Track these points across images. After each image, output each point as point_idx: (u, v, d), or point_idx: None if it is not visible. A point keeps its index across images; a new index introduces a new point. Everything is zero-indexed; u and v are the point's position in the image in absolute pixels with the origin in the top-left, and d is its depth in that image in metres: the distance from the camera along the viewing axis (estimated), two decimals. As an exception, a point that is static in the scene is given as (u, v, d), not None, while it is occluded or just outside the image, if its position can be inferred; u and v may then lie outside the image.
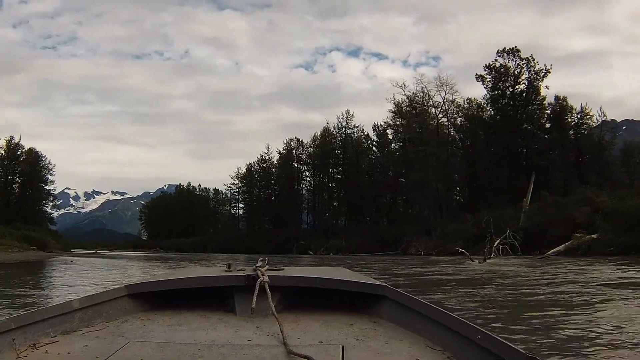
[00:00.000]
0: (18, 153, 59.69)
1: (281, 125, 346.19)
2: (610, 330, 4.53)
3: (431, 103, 49.24)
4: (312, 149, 62.81)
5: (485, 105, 47.44)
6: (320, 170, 62.21)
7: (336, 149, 60.54)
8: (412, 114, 49.22)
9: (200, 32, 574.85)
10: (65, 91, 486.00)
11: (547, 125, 45.19)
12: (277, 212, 62.88)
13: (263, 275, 1.72)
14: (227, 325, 1.58)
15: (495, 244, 24.51)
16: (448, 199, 48.50)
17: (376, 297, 1.77)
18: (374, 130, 56.92)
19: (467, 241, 29.50)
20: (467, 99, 49.73)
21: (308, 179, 64.52)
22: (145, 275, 13.24)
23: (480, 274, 12.83)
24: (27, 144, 61.46)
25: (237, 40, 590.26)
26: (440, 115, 49.46)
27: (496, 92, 44.87)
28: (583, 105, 45.20)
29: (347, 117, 60.26)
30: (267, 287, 1.65)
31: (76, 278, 13.73)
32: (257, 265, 1.93)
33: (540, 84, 43.88)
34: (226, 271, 1.99)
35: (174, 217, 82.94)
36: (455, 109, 49.57)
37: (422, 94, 48.86)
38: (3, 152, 58.75)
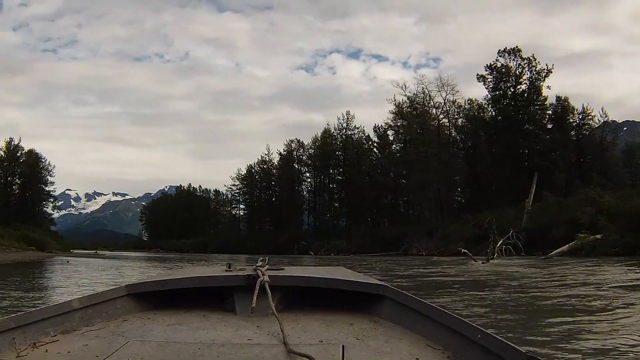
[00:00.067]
0: (18, 154, 59.64)
1: (282, 126, 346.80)
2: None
3: (432, 104, 49.18)
4: (312, 150, 62.73)
5: (486, 106, 47.30)
6: (320, 172, 62.06)
7: (337, 150, 60.40)
8: (413, 115, 49.03)
9: (201, 32, 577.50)
10: (65, 92, 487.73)
11: (549, 126, 44.96)
12: (278, 213, 62.70)
13: (263, 274, 1.73)
14: (227, 325, 1.58)
15: (498, 244, 24.27)
16: (449, 199, 48.30)
17: (376, 296, 1.77)
18: (375, 131, 56.86)
19: (468, 242, 29.31)
20: (468, 100, 49.64)
21: (309, 180, 64.51)
22: (140, 276, 13.03)
23: (485, 275, 12.53)
24: (28, 145, 61.81)
25: (238, 41, 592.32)
26: (442, 116, 49.35)
27: (497, 92, 44.66)
28: (585, 106, 45.09)
29: (347, 118, 60.22)
30: (267, 286, 1.65)
31: (66, 279, 13.51)
32: (257, 265, 1.94)
33: (541, 83, 43.73)
34: (226, 271, 1.99)
35: (174, 218, 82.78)
36: (456, 110, 49.44)
37: (422, 95, 48.76)
38: (3, 153, 58.72)
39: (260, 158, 67.64)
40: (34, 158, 60.01)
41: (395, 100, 49.61)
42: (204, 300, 1.83)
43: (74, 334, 1.51)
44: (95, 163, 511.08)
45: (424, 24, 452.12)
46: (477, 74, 45.52)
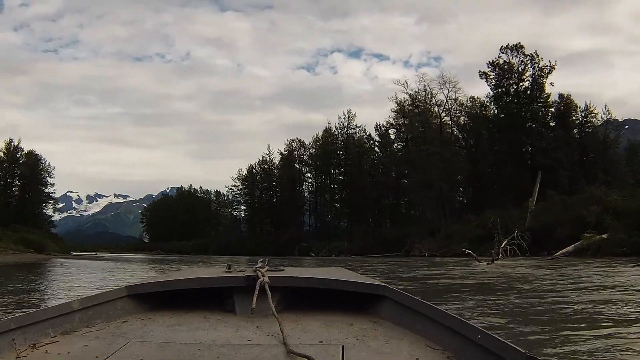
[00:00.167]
0: (17, 155, 59.39)
1: (283, 126, 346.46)
2: None
3: (434, 101, 48.72)
4: (313, 150, 62.34)
5: (488, 104, 46.92)
6: (322, 172, 61.69)
7: (338, 150, 60.04)
8: (415, 113, 48.61)
9: (202, 32, 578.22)
10: (67, 92, 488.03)
11: (552, 124, 44.54)
12: (279, 214, 62.31)
13: (263, 275, 1.73)
14: (227, 326, 1.58)
15: (503, 244, 23.84)
16: (451, 199, 47.88)
17: (376, 297, 1.77)
18: (376, 130, 56.48)
19: (471, 242, 28.86)
20: (470, 98, 49.20)
21: (310, 180, 64.11)
22: (130, 279, 12.62)
23: (493, 277, 12.00)
24: (29, 146, 61.73)
25: (239, 41, 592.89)
26: (444, 114, 48.93)
27: (500, 90, 44.21)
28: (588, 104, 44.71)
29: (348, 117, 59.81)
30: (267, 287, 1.65)
31: (50, 282, 13.07)
32: (257, 266, 1.92)
33: (544, 80, 43.25)
34: (226, 272, 1.97)
35: (175, 220, 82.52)
36: (458, 108, 49.00)
37: (424, 93, 48.34)
38: (2, 154, 58.46)
39: (261, 158, 67.36)
40: (33, 159, 59.81)
41: (396, 98, 49.29)
42: (204, 301, 1.82)
43: (74, 335, 1.51)
44: (96, 164, 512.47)
45: (424, 24, 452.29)
46: (480, 71, 45.16)
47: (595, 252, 21.52)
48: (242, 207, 73.17)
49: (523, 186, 37.51)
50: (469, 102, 49.01)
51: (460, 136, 50.36)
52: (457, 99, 48.18)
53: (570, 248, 22.98)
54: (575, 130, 44.46)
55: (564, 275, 11.45)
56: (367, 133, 58.34)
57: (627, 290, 7.85)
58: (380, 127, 55.61)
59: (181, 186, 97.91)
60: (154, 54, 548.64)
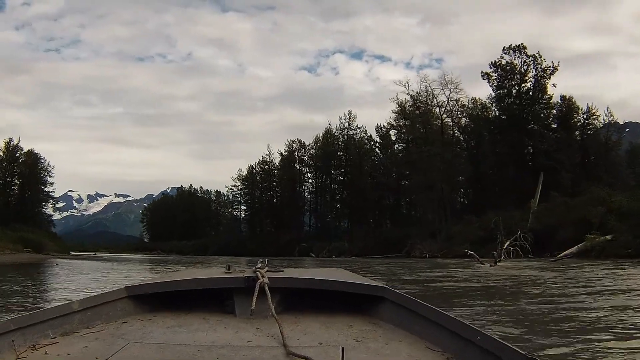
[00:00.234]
0: (17, 155, 59.21)
1: (284, 127, 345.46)
2: None
3: (435, 102, 48.46)
4: (314, 151, 62.12)
5: (490, 105, 46.69)
6: (322, 172, 61.48)
7: (338, 151, 59.82)
8: (416, 114, 48.36)
9: (204, 33, 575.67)
10: (68, 92, 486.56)
11: (554, 125, 44.27)
12: (279, 215, 62.10)
13: (263, 276, 1.72)
14: (227, 327, 1.58)
15: (505, 246, 23.57)
16: (452, 200, 47.60)
17: (376, 298, 1.76)
18: (377, 131, 56.26)
19: (473, 243, 28.59)
20: (471, 99, 48.94)
21: (310, 180, 63.90)
22: (126, 280, 12.34)
23: (499, 280, 11.64)
24: (30, 146, 61.69)
25: (241, 41, 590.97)
26: (445, 116, 48.67)
27: (502, 90, 43.94)
28: (589, 105, 44.43)
29: (349, 117, 59.62)
30: (266, 288, 1.65)
31: (40, 284, 12.70)
32: (256, 267, 1.92)
33: (547, 81, 42.97)
34: (226, 273, 1.96)
35: (175, 220, 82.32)
36: (459, 109, 48.73)
37: (425, 93, 48.08)
38: (2, 153, 58.29)
39: (261, 158, 67.15)
40: (33, 158, 59.60)
41: (397, 99, 49.04)
42: (203, 302, 1.82)
43: (74, 336, 1.51)
44: (97, 164, 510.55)
45: (427, 25, 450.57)
46: (482, 72, 44.91)
47: (599, 254, 21.29)
48: (243, 207, 72.98)
49: (524, 188, 37.29)
50: (470, 103, 48.82)
51: (461, 137, 50.11)
52: (459, 100, 48.00)
53: (573, 249, 22.74)
54: (576, 132, 44.21)
55: (572, 278, 11.10)
56: (368, 134, 58.28)
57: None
58: (381, 128, 55.48)
59: (181, 186, 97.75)
60: (155, 54, 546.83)
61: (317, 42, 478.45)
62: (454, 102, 47.87)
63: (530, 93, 43.31)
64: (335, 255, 44.89)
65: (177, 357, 1.30)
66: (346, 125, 59.30)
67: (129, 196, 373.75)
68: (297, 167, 63.53)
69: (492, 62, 44.29)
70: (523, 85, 43.57)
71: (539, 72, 43.06)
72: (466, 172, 46.55)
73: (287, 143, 64.23)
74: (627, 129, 48.28)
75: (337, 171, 60.56)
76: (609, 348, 3.91)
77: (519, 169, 41.44)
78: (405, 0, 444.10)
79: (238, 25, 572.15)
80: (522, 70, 43.42)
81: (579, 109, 44.08)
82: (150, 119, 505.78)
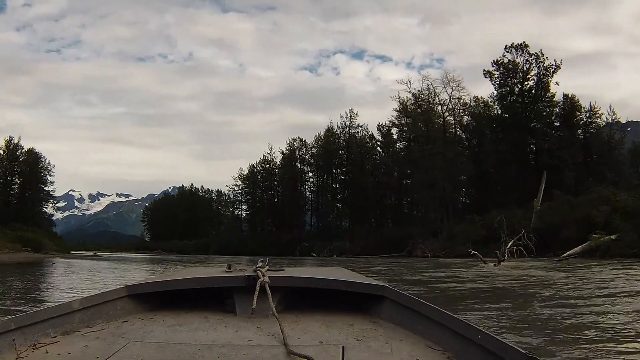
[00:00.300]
0: (17, 153, 59.04)
1: (285, 127, 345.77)
2: None
3: (437, 101, 48.11)
4: (315, 150, 61.84)
5: (492, 104, 46.38)
6: (323, 171, 61.21)
7: (340, 149, 59.53)
8: (418, 112, 48.04)
9: (204, 33, 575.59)
10: (69, 92, 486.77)
11: (556, 124, 43.92)
12: (280, 214, 61.84)
13: (263, 275, 1.72)
14: (228, 326, 1.58)
15: (509, 245, 23.25)
16: (454, 199, 47.29)
17: (376, 297, 1.76)
18: (379, 129, 56.01)
19: (475, 243, 28.35)
20: (473, 97, 48.62)
21: (311, 179, 63.59)
22: (120, 280, 12.07)
23: (506, 280, 11.26)
24: (32, 146, 61.18)
25: (241, 41, 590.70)
26: (447, 114, 48.34)
27: (504, 89, 43.59)
28: (592, 104, 44.10)
29: (350, 116, 59.32)
30: (267, 287, 1.65)
31: (30, 283, 12.38)
32: (257, 266, 1.90)
33: (549, 80, 42.60)
34: (226, 272, 1.95)
35: (176, 219, 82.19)
36: (461, 108, 48.40)
37: (427, 92, 47.77)
38: (2, 152, 58.11)
39: (262, 157, 66.87)
40: (33, 157, 59.42)
41: (399, 97, 48.73)
42: (204, 301, 1.81)
43: (74, 335, 1.51)
44: (98, 164, 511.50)
45: (427, 25, 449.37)
46: (484, 70, 44.56)
47: (604, 254, 21.00)
48: (244, 207, 72.70)
49: (527, 186, 36.96)
50: (472, 101, 48.51)
51: (463, 136, 49.79)
52: (461, 98, 47.67)
53: (577, 249, 22.45)
54: (579, 131, 43.87)
55: (583, 279, 10.70)
56: (370, 133, 58.00)
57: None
58: (382, 127, 55.20)
59: (182, 185, 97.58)
60: (156, 54, 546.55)
61: (317, 42, 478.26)
62: (456, 101, 47.64)
63: (533, 91, 42.94)
64: (336, 254, 44.65)
65: (178, 356, 1.29)
66: (347, 123, 59.10)
67: (131, 196, 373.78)
68: (299, 166, 63.26)
69: (494, 61, 44.01)
70: (525, 83, 43.24)
71: (541, 70, 42.74)
72: (468, 170, 46.23)
73: (288, 142, 64.05)
74: (629, 129, 47.84)
75: (338, 170, 60.28)
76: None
77: (521, 167, 41.13)
78: (405, 0, 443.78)
79: (238, 26, 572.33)
80: (525, 68, 43.08)
81: (581, 107, 43.79)
82: (151, 119, 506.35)
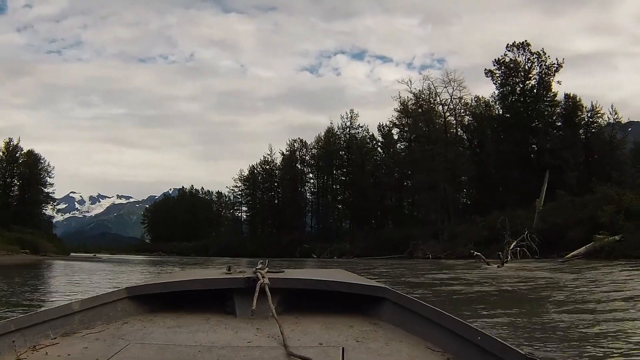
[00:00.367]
0: (17, 155, 58.84)
1: (286, 127, 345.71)
2: None
3: (438, 100, 47.80)
4: (315, 150, 61.56)
5: (493, 104, 46.10)
6: (324, 172, 60.93)
7: (340, 150, 59.25)
8: (419, 112, 47.76)
9: (205, 34, 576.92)
10: (71, 93, 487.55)
11: (558, 123, 43.61)
12: (280, 215, 61.61)
13: (263, 277, 1.72)
14: (228, 327, 1.59)
15: (512, 246, 22.92)
16: (455, 200, 46.97)
17: (376, 298, 1.76)
18: (379, 130, 55.77)
19: (477, 244, 28.05)
20: (474, 97, 48.33)
21: (312, 180, 63.32)
22: (114, 283, 11.79)
23: (513, 282, 10.83)
24: (32, 147, 61.06)
25: (242, 42, 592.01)
26: (448, 114, 48.02)
27: (506, 88, 43.28)
28: (594, 104, 43.82)
29: (351, 116, 59.05)
30: (267, 289, 1.65)
31: (17, 287, 12.02)
32: (257, 267, 1.91)
33: (551, 79, 42.27)
34: (226, 273, 1.95)
35: (176, 221, 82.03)
36: (462, 108, 48.10)
37: (428, 92, 47.47)
38: (1, 154, 57.94)
39: (262, 158, 66.60)
40: (33, 159, 59.23)
41: (400, 97, 48.46)
42: (204, 302, 1.82)
43: (74, 337, 1.51)
44: (99, 165, 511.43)
45: (428, 25, 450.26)
46: (485, 69, 44.18)
47: (609, 255, 20.62)
48: (244, 208, 72.49)
49: (529, 187, 36.65)
50: (473, 101, 48.21)
51: (464, 136, 49.48)
52: (462, 98, 47.35)
53: (581, 250, 22.10)
54: (581, 131, 43.58)
55: (594, 281, 10.28)
56: (370, 133, 57.73)
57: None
58: (383, 127, 54.95)
59: (182, 187, 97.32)
60: (157, 55, 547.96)
61: (318, 43, 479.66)
62: (457, 100, 47.30)
63: (535, 91, 42.62)
64: (336, 256, 44.39)
65: (178, 357, 1.29)
66: (348, 124, 58.84)
67: (131, 197, 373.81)
68: (299, 167, 63.01)
69: (495, 60, 43.66)
70: (527, 82, 42.90)
71: (543, 69, 42.40)
72: (469, 171, 45.93)
73: (288, 142, 63.79)
74: (630, 129, 47.60)
75: (338, 171, 59.99)
76: None
77: (522, 168, 40.79)
78: (405, 0, 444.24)
79: (240, 27, 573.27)
80: (526, 67, 42.75)
81: (583, 107, 43.50)
82: (152, 120, 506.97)
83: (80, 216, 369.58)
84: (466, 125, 48.92)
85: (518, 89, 43.05)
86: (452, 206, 44.73)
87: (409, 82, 47.83)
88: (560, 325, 5.13)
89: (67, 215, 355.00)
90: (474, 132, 48.35)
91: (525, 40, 43.15)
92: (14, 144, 58.91)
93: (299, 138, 63.83)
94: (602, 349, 3.96)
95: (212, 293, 1.82)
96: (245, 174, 68.00)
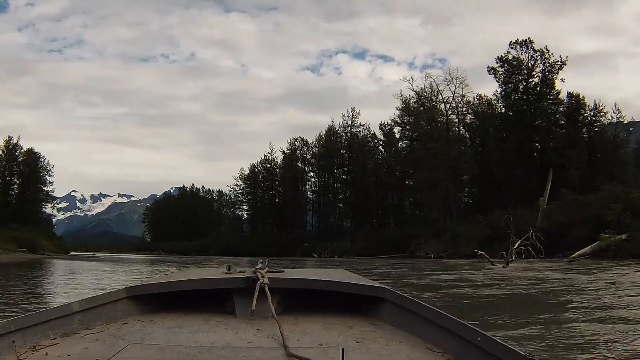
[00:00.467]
0: (16, 153, 58.60)
1: (288, 127, 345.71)
2: None
3: (440, 98, 47.41)
4: (317, 149, 61.21)
5: (496, 102, 45.68)
6: (325, 171, 60.59)
7: (341, 149, 58.90)
8: (420, 111, 47.38)
9: (207, 34, 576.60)
10: (72, 93, 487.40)
11: (561, 122, 43.20)
12: (281, 214, 61.31)
13: (263, 277, 1.72)
14: (227, 328, 1.59)
15: (516, 245, 22.52)
16: (457, 199, 46.58)
17: (376, 299, 1.76)
18: (381, 128, 55.43)
19: (479, 243, 27.74)
20: (477, 95, 47.91)
21: (313, 179, 63.00)
22: (109, 284, 11.44)
23: (523, 284, 10.32)
24: (34, 146, 60.87)
25: (244, 42, 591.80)
26: (450, 112, 47.60)
27: (509, 86, 42.85)
28: (597, 102, 43.41)
29: (352, 115, 58.66)
30: (267, 289, 1.65)
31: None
32: (257, 267, 1.91)
33: (555, 77, 41.82)
34: (226, 273, 1.95)
35: (177, 220, 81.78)
36: (464, 106, 47.68)
37: (430, 90, 47.08)
38: (1, 152, 57.69)
39: (263, 157, 66.24)
40: (32, 157, 59.00)
41: (402, 95, 48.07)
42: (204, 302, 1.82)
43: (74, 337, 1.51)
44: (100, 164, 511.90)
45: (429, 25, 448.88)
46: (488, 66, 43.74)
47: (615, 254, 20.23)
48: (244, 207, 72.12)
49: (531, 185, 36.28)
50: (475, 100, 47.79)
51: (466, 135, 49.05)
52: (464, 96, 46.93)
53: (587, 249, 21.73)
54: (584, 129, 43.19)
55: (614, 282, 9.66)
56: (372, 132, 57.36)
57: None
58: (384, 126, 54.57)
59: (183, 185, 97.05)
60: (159, 55, 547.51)
61: (319, 43, 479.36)
62: (460, 98, 46.90)
63: (538, 88, 42.18)
64: (337, 255, 44.12)
65: (177, 358, 1.29)
66: (349, 122, 58.47)
67: (133, 196, 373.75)
68: (300, 165, 62.66)
69: (498, 57, 43.24)
70: (530, 80, 42.46)
71: (546, 66, 41.95)
72: (471, 169, 45.57)
73: (289, 141, 63.42)
74: (631, 129, 47.25)
75: (340, 170, 59.65)
76: None
77: (525, 166, 40.38)
78: (407, 1, 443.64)
79: (241, 26, 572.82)
80: (530, 65, 42.31)
81: (586, 105, 43.12)
82: (153, 120, 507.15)
83: (82, 215, 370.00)
84: (468, 124, 48.53)
85: (521, 86, 42.67)
86: (454, 205, 44.37)
87: (411, 80, 47.59)
88: (598, 339, 4.41)
89: (69, 214, 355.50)
90: (476, 130, 47.96)
91: (529, 38, 42.79)
92: (14, 142, 58.76)
93: (300, 136, 63.58)
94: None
95: (211, 293, 1.81)
96: (246, 173, 67.72)
